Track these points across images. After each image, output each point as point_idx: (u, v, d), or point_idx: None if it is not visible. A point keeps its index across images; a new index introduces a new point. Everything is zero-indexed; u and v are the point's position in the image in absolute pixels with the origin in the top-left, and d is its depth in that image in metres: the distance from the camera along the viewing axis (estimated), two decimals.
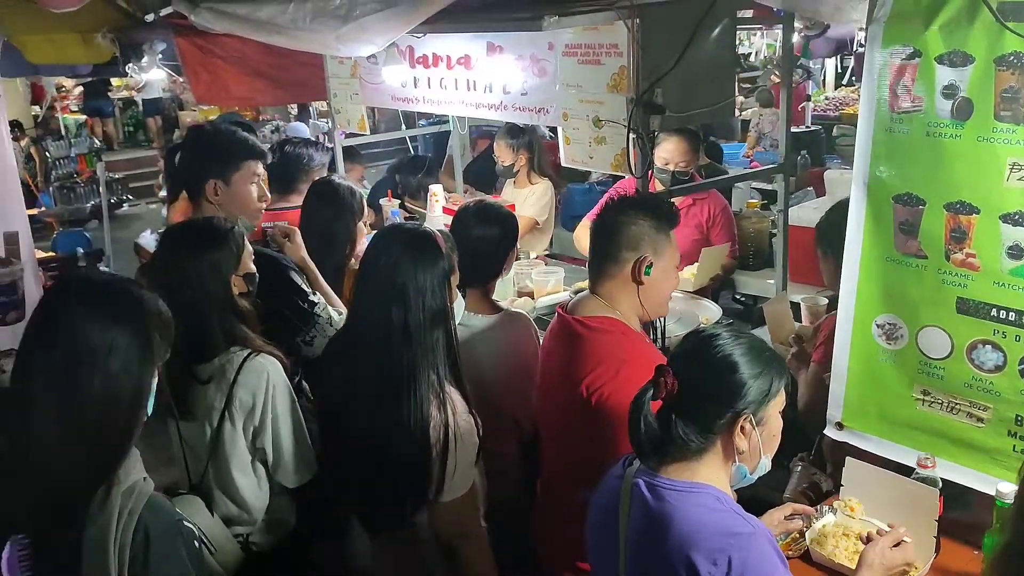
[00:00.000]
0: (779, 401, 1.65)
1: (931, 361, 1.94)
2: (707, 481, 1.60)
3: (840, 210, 2.19)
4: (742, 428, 1.59)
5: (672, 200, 2.50)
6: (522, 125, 4.47)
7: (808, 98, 8.49)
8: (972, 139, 1.78)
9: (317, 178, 3.34)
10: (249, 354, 2.23)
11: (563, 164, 3.04)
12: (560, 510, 2.23)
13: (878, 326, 2.00)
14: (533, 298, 3.52)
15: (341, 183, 3.11)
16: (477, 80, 3.25)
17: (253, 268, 2.37)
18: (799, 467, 2.41)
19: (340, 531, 2.34)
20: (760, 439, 1.61)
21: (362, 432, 2.07)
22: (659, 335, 2.75)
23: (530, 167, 4.55)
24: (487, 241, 2.61)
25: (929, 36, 1.78)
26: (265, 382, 2.22)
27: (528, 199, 4.49)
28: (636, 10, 2.56)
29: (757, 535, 1.54)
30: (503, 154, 4.53)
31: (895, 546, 1.83)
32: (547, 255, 4.44)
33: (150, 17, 4.04)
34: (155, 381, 1.57)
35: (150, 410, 1.57)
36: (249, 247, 2.38)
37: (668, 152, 3.64)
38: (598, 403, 2.06)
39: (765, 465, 1.67)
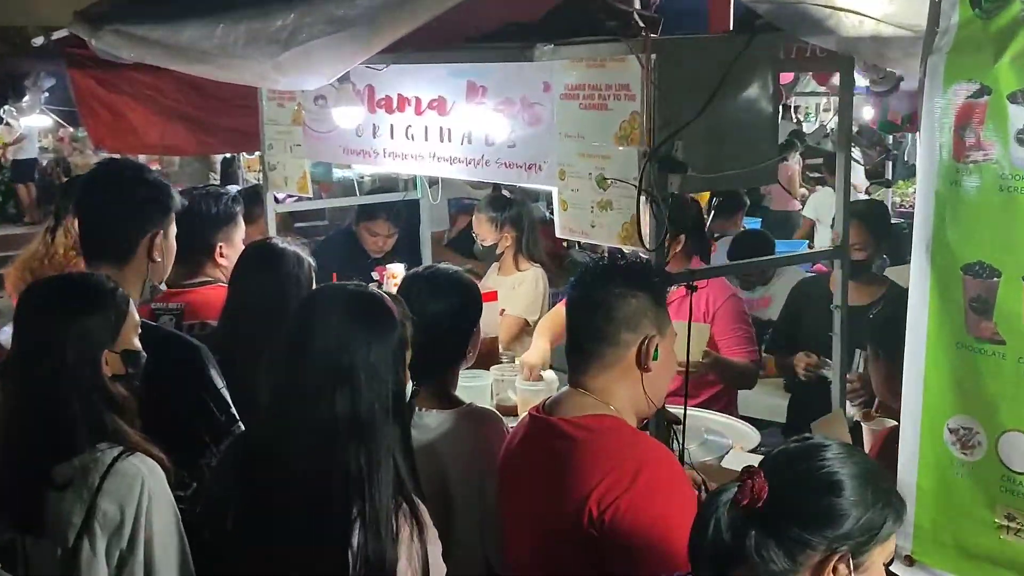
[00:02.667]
0: (887, 549, 1.73)
1: (1015, 476, 2.01)
2: None
3: (901, 300, 2.30)
4: (835, 568, 1.65)
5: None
6: (509, 195, 4.67)
7: (888, 184, 8.73)
8: None
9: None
10: (121, 453, 2.28)
11: (558, 235, 3.19)
12: None
13: (951, 431, 2.09)
14: (516, 415, 3.61)
15: (286, 247, 3.28)
16: (453, 128, 3.43)
17: (137, 345, 2.46)
18: None
19: None
20: None
21: (296, 563, 2.08)
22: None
23: (517, 248, 4.72)
24: (444, 316, 2.71)
25: (1000, 70, 1.92)
26: (138, 491, 2.26)
27: (516, 290, 4.63)
28: (652, 43, 2.73)
29: None
30: (484, 231, 4.71)
31: None
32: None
33: (38, 40, 4.28)
34: None
35: None
36: (136, 318, 2.48)
37: None
38: (613, 521, 2.12)
39: None
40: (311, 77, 3.17)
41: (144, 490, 2.27)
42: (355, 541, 2.03)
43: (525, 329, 4.65)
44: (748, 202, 8.04)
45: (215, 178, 10.47)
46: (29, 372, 2.33)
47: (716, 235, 6.88)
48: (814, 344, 4.00)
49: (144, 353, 2.48)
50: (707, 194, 6.99)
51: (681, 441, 2.81)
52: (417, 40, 2.95)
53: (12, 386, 2.37)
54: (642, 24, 2.98)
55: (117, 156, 3.08)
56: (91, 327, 2.35)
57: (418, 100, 3.55)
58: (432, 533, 2.13)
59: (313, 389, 2.11)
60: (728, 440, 3.31)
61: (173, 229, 2.92)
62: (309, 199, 4.72)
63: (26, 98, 5.01)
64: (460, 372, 2.91)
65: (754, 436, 3.39)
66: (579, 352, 2.34)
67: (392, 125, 3.69)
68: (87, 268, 2.82)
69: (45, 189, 11.82)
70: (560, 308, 4.26)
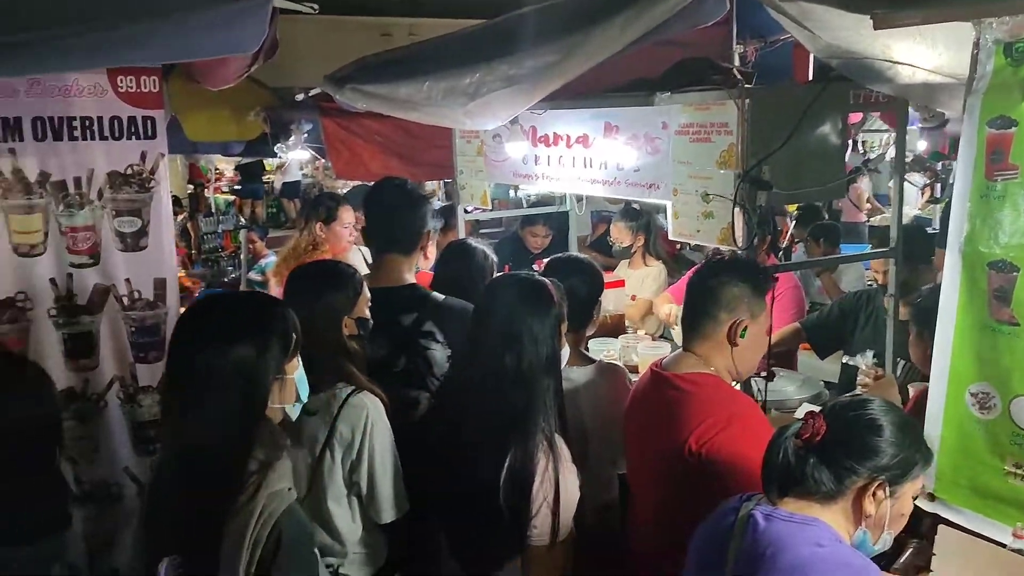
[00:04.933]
0: (916, 485, 1.72)
1: (1023, 433, 1.93)
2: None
3: (937, 291, 2.22)
4: (875, 493, 1.64)
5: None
6: (638, 208, 4.66)
7: (937, 201, 8.30)
8: None
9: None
10: (353, 391, 2.38)
11: (670, 238, 3.18)
12: (650, 560, 2.28)
13: (972, 395, 2.00)
14: (638, 372, 3.61)
15: (476, 245, 3.37)
16: (593, 158, 3.46)
17: (367, 314, 2.58)
18: (913, 543, 2.37)
19: (430, 570, 2.46)
20: (888, 512, 1.66)
21: (467, 474, 2.17)
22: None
23: (645, 249, 4.71)
24: (577, 289, 2.71)
25: None
26: (365, 419, 2.35)
27: (644, 281, 4.63)
28: (746, 91, 2.73)
29: (870, 569, 1.59)
30: (621, 235, 4.71)
31: None
32: (660, 337, 4.53)
33: (299, 96, 4.51)
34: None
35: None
36: (367, 293, 2.58)
37: None
38: (708, 455, 2.12)
39: (887, 541, 1.72)
40: (490, 120, 3.24)
41: (369, 418, 2.36)
42: (507, 462, 2.10)
43: (650, 309, 4.64)
44: (826, 215, 7.75)
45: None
46: None
47: (796, 240, 6.66)
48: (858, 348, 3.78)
49: (372, 320, 2.57)
50: (793, 207, 6.79)
51: (764, 392, 2.78)
52: (567, 91, 2.99)
53: None
54: (739, 77, 2.97)
55: (391, 176, 3.17)
56: (335, 299, 2.45)
57: (568, 136, 3.58)
58: (567, 463, 2.16)
59: (490, 348, 2.19)
60: (820, 382, 3.25)
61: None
62: (489, 210, 4.82)
63: (292, 138, 5.24)
64: (593, 341, 2.94)
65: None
66: (690, 323, 2.32)
67: (549, 156, 3.73)
68: (376, 258, 2.90)
69: (305, 203, 12.39)
70: (668, 293, 4.40)
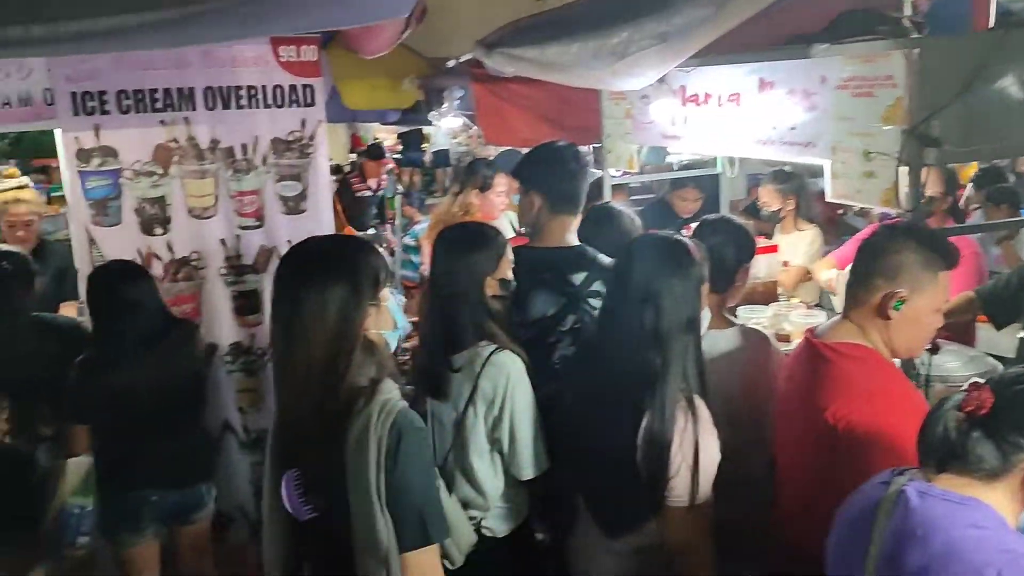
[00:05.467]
0: None
1: None
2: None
3: None
4: None
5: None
6: (789, 170, 4.45)
7: None
8: None
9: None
10: (495, 349, 2.41)
11: (828, 200, 3.02)
12: (793, 535, 2.19)
13: None
14: (789, 342, 3.47)
15: (622, 210, 3.34)
16: (745, 116, 3.32)
17: (510, 275, 2.60)
18: None
19: (568, 528, 2.48)
20: None
21: (605, 433, 2.17)
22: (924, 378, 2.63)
23: (796, 213, 4.50)
24: (722, 250, 2.63)
25: None
26: (506, 376, 2.38)
27: (797, 246, 4.42)
28: (915, 42, 2.55)
29: None
30: (771, 199, 4.52)
31: None
32: (816, 305, 4.34)
33: (451, 63, 4.57)
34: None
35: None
36: (511, 255, 2.59)
37: None
38: (846, 432, 2.01)
39: None
40: (638, 80, 3.16)
41: (510, 377, 2.39)
42: (644, 421, 2.07)
43: (805, 276, 4.43)
44: (1011, 178, 7.12)
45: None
46: (438, 290, 2.51)
47: (974, 206, 6.16)
48: None
49: (514, 280, 2.59)
50: (972, 167, 6.28)
51: (928, 366, 2.60)
52: (718, 47, 2.88)
53: (428, 300, 2.57)
54: (909, 26, 2.77)
55: (556, 140, 3.17)
56: (479, 260, 2.48)
57: (720, 96, 3.45)
58: (707, 425, 2.10)
59: (629, 307, 2.15)
60: (990, 359, 3.05)
61: None
62: (636, 174, 4.73)
63: (444, 105, 5.34)
64: (742, 308, 2.85)
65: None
66: (850, 288, 2.18)
67: (699, 115, 3.61)
68: (544, 219, 2.87)
69: (458, 170, 12.60)
70: (831, 256, 4.13)
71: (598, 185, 4.64)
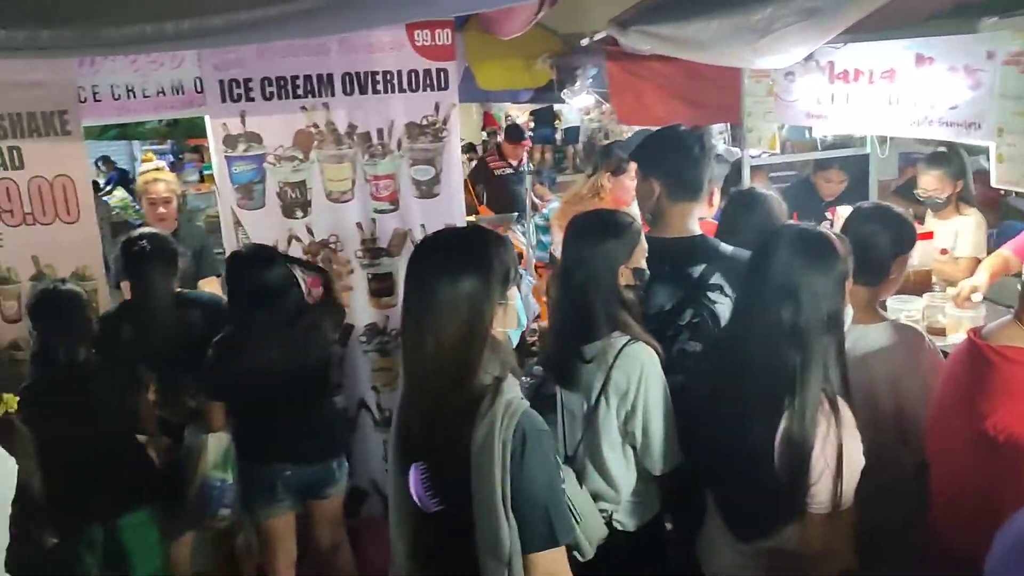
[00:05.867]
0: None
1: None
2: None
3: None
4: None
5: None
6: (949, 150, 4.14)
7: None
8: None
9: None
10: (628, 341, 2.35)
11: (993, 185, 2.79)
12: (949, 541, 2.06)
13: None
14: (943, 335, 3.24)
15: (766, 193, 3.21)
16: (901, 94, 3.12)
17: (644, 265, 2.52)
18: None
19: (698, 525, 2.41)
20: None
21: (738, 433, 2.08)
22: None
23: (957, 196, 4.18)
24: (876, 239, 2.45)
25: None
26: (640, 369, 2.32)
27: (959, 233, 4.09)
28: None
29: None
30: (940, 185, 4.11)
31: None
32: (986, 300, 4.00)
33: (585, 41, 4.50)
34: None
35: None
36: (644, 244, 2.52)
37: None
38: (1008, 443, 1.86)
39: None
40: (783, 57, 3.01)
41: (644, 369, 2.33)
42: (783, 424, 1.97)
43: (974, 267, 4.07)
44: None
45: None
46: (569, 278, 2.46)
47: None
48: None
49: (648, 270, 2.52)
50: None
51: None
52: (870, 22, 2.69)
53: (558, 289, 2.53)
54: None
55: (678, 124, 3.05)
56: (613, 248, 2.42)
57: (872, 72, 3.25)
58: (850, 428, 1.98)
59: (765, 302, 2.05)
60: None
61: None
62: (777, 154, 4.54)
63: (577, 83, 5.27)
64: (890, 299, 2.66)
65: None
66: None
67: (848, 93, 3.42)
68: (670, 206, 2.75)
69: (586, 148, 12.48)
70: (1004, 249, 3.76)
71: (736, 166, 4.49)
